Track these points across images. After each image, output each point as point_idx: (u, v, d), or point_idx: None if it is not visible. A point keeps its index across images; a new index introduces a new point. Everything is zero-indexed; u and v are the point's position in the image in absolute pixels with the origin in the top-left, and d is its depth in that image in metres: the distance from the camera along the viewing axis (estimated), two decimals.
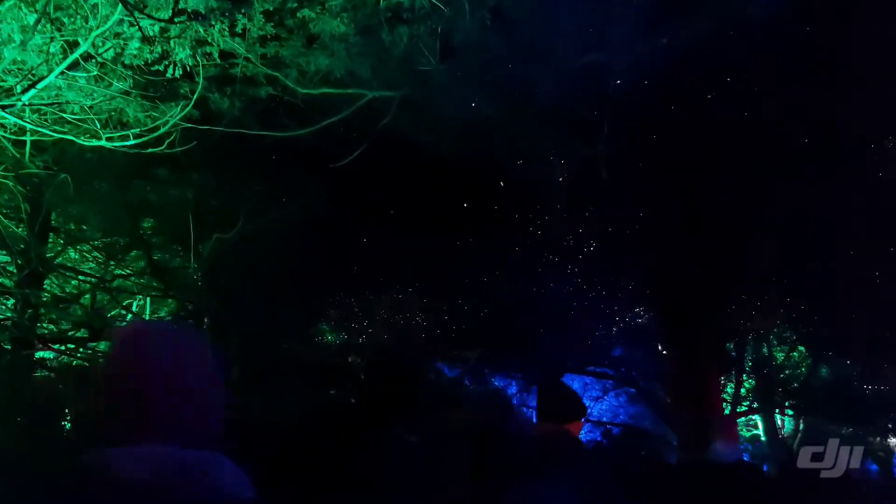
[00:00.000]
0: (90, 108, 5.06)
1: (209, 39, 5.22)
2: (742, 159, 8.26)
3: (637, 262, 10.34)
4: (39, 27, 4.19)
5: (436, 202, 7.79)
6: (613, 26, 5.44)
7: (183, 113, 4.45)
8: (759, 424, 12.07)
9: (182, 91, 5.31)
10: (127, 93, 4.91)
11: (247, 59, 5.61)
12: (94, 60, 4.80)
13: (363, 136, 5.75)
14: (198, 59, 5.11)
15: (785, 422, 12.65)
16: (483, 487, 2.74)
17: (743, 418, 12.24)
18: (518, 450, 2.99)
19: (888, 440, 11.38)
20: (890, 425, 10.78)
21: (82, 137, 4.66)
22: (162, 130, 4.38)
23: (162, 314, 9.64)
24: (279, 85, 5.37)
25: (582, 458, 3.23)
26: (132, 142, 4.39)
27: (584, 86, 6.18)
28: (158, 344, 1.31)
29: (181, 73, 4.93)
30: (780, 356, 11.65)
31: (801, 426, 12.58)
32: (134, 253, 8.82)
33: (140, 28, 3.63)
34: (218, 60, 5.16)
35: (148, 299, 9.46)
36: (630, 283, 11.12)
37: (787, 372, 11.62)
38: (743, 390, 11.45)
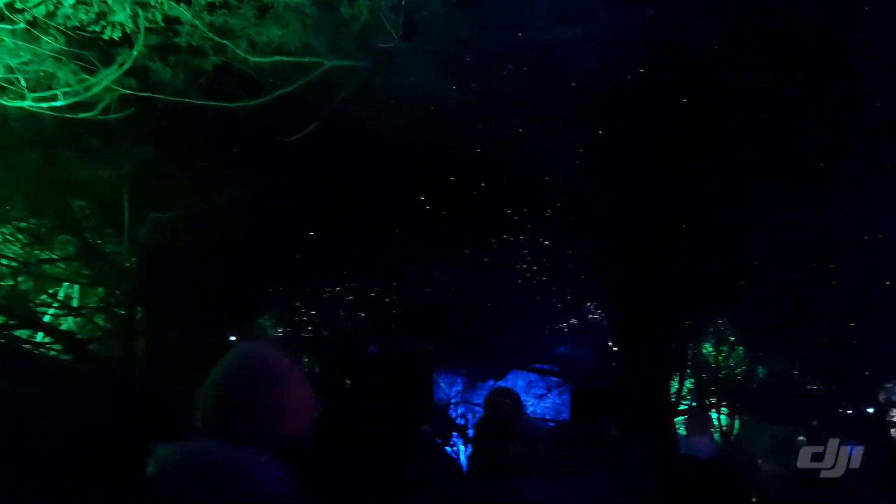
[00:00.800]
0: (16, 68, 4.59)
1: (152, 2, 4.83)
2: (692, 161, 8.33)
3: (585, 260, 10.36)
4: None
5: (389, 186, 7.52)
6: (585, 4, 5.31)
7: (120, 72, 4.04)
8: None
9: (120, 58, 4.88)
10: (60, 54, 4.46)
11: (193, 26, 5.22)
12: (22, 16, 4.36)
13: (318, 112, 5.44)
14: (139, 23, 4.71)
15: (722, 419, 12.92)
16: (520, 484, 2.77)
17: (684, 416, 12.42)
18: (555, 446, 3.06)
19: (819, 437, 11.73)
20: (822, 423, 11.12)
21: (5, 98, 4.20)
22: (94, 90, 3.96)
23: (92, 303, 9.07)
24: (228, 52, 5.00)
25: (613, 455, 3.32)
26: (61, 102, 3.97)
27: (551, 68, 6.03)
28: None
29: (120, 34, 4.53)
30: (723, 356, 11.88)
31: (737, 423, 12.91)
32: (62, 237, 8.23)
33: None
34: (162, 24, 4.76)
35: (77, 287, 8.87)
36: (578, 281, 11.14)
37: (727, 371, 11.85)
38: (684, 390, 11.63)
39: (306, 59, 4.98)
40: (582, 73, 6.36)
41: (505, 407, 3.47)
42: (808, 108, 7.69)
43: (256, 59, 4.97)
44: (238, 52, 4.92)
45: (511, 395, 3.69)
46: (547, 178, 8.79)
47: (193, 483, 1.25)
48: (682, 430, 11.03)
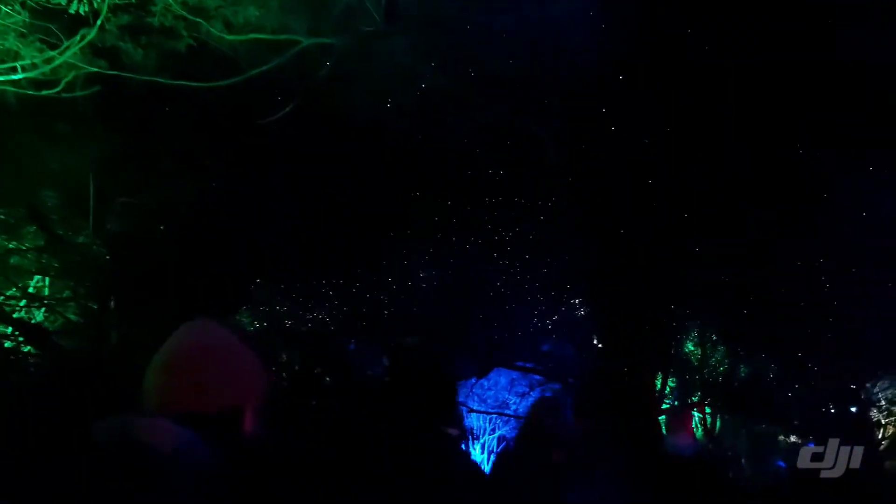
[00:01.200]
0: None
1: None
2: (680, 159, 8.27)
3: (569, 258, 10.26)
4: None
5: (371, 179, 7.34)
6: None
7: (82, 44, 3.83)
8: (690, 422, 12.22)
9: (83, 31, 4.64)
10: (23, 27, 4.23)
11: (166, 6, 5.01)
12: None
13: (295, 93, 5.26)
14: None
15: (707, 419, 12.89)
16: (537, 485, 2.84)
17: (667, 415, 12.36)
18: (565, 447, 3.18)
19: (797, 437, 11.76)
20: (801, 423, 11.13)
21: None
22: (56, 63, 3.74)
23: (62, 295, 8.79)
24: (202, 30, 4.79)
25: (617, 451, 3.40)
26: (20, 76, 3.75)
27: (537, 59, 5.87)
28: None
29: (87, 9, 4.31)
30: (708, 354, 11.86)
31: (719, 422, 12.89)
32: (32, 228, 7.96)
33: None
34: (133, 0, 4.55)
35: (48, 279, 8.60)
36: (561, 278, 11.06)
37: (712, 370, 11.82)
38: (667, 389, 11.58)
39: (282, 37, 4.80)
40: (569, 63, 6.22)
41: (548, 417, 3.53)
42: (792, 108, 7.65)
43: (232, 38, 4.78)
44: (212, 29, 4.72)
45: (553, 404, 3.74)
46: (532, 174, 8.67)
47: (100, 457, 1.25)
48: (664, 430, 10.96)
